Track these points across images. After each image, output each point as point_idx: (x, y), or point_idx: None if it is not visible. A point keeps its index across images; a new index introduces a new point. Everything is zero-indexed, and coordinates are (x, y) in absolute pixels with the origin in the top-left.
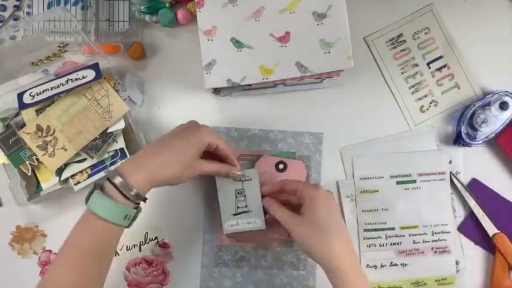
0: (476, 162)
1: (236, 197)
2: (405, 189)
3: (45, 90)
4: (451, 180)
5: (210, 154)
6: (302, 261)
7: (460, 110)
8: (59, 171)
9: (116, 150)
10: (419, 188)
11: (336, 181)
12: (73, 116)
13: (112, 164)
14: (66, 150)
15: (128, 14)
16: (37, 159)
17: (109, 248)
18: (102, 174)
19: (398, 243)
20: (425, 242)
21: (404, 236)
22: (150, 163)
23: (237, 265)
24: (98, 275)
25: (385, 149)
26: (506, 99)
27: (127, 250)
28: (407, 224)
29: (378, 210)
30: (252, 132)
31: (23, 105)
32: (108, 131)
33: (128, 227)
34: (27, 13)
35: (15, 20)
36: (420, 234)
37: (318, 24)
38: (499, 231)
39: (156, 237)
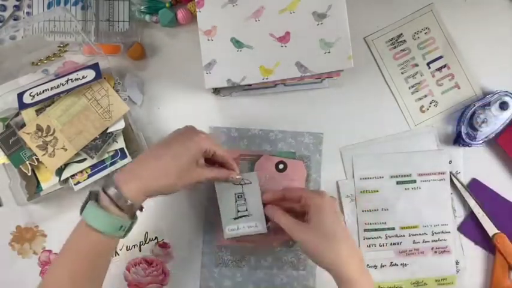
0: (476, 162)
1: (236, 201)
2: (405, 189)
3: (45, 90)
4: (451, 180)
5: (208, 160)
6: (302, 261)
7: (460, 110)
8: (59, 171)
9: (116, 150)
10: (419, 188)
11: (336, 181)
12: (73, 116)
13: (112, 164)
14: (66, 150)
15: (128, 14)
16: (37, 159)
17: (106, 255)
18: (102, 174)
19: (398, 243)
20: (425, 242)
21: (404, 236)
22: (146, 171)
23: (237, 265)
24: (96, 276)
25: (385, 149)
26: (506, 99)
27: (127, 250)
28: (407, 224)
29: (377, 210)
30: (252, 132)
31: (23, 105)
32: (108, 131)
33: (123, 237)
34: (27, 13)
35: (15, 20)
36: (420, 234)
37: (318, 24)
38: (499, 231)
39: (156, 237)
